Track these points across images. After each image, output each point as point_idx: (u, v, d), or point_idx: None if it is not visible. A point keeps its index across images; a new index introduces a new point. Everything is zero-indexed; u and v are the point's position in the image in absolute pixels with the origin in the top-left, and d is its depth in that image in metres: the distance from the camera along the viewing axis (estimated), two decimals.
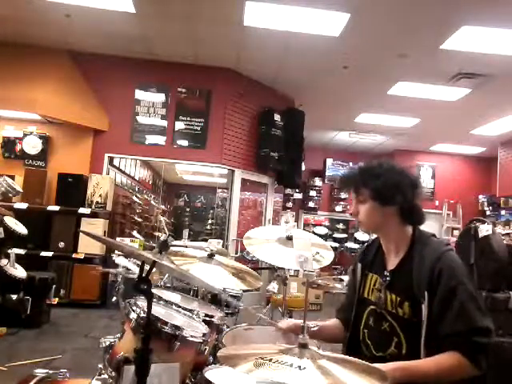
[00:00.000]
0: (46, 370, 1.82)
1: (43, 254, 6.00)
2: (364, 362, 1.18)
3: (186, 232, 5.63)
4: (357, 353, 1.62)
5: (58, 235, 6.17)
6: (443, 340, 1.43)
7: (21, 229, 4.76)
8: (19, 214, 5.21)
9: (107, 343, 1.60)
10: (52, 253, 6.05)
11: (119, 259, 3.00)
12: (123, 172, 7.99)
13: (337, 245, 10.54)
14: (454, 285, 1.45)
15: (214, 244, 2.40)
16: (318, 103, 8.20)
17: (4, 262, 4.55)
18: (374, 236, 1.81)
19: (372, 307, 1.65)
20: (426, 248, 1.55)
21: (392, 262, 1.65)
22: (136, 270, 2.58)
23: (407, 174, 1.63)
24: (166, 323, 1.50)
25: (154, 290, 1.77)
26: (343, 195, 11.18)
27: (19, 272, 4.66)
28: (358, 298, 1.73)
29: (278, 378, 1.00)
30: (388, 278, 1.62)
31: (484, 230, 3.22)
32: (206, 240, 5.77)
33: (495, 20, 4.87)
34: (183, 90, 7.00)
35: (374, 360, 1.47)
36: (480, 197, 10.81)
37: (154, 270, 1.39)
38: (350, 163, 11.43)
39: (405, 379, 1.37)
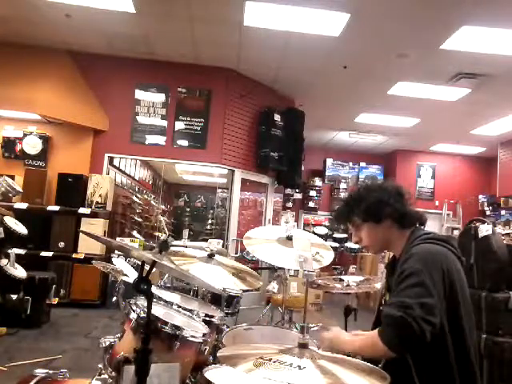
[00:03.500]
0: (46, 370, 1.82)
1: (43, 254, 5.99)
2: (363, 362, 1.18)
3: (186, 232, 5.61)
4: None
5: (58, 235, 6.17)
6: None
7: (21, 229, 4.75)
8: (19, 214, 5.20)
9: (107, 343, 1.60)
10: (52, 253, 6.04)
11: (117, 261, 2.99)
12: (123, 172, 7.98)
13: (337, 245, 10.51)
14: (405, 269, 1.49)
15: (214, 244, 2.41)
16: (318, 103, 8.20)
17: (4, 261, 4.54)
18: None
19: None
20: (412, 245, 1.60)
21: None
22: (132, 272, 2.57)
23: (386, 187, 1.73)
24: (166, 323, 1.50)
25: (153, 290, 1.77)
26: (343, 195, 11.16)
27: (19, 272, 4.66)
28: (382, 300, 1.82)
29: (278, 377, 1.00)
30: (386, 281, 1.75)
31: (484, 230, 3.22)
32: (205, 240, 5.76)
33: (495, 20, 4.87)
34: (183, 90, 7.00)
35: None
36: (480, 197, 10.80)
37: (154, 269, 1.39)
38: (350, 163, 11.44)
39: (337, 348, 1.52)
